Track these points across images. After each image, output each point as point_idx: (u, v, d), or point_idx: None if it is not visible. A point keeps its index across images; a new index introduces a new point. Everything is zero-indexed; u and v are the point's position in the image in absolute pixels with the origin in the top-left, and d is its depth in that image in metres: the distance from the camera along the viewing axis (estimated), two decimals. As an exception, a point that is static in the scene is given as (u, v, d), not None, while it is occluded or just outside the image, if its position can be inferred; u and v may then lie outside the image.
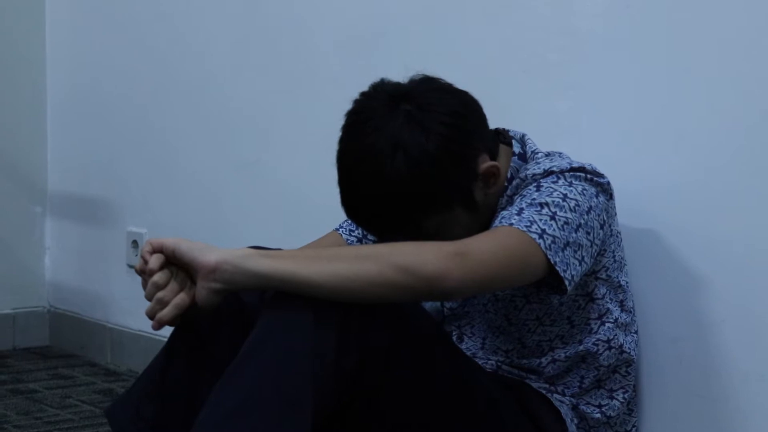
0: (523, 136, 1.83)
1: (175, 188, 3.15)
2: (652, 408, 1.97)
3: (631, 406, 1.90)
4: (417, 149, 1.63)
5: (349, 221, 1.92)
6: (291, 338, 1.51)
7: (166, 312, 1.59)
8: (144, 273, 1.60)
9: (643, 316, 1.96)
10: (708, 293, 1.90)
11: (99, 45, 3.40)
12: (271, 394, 1.48)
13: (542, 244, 1.60)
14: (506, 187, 1.76)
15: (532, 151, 1.80)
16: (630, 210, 1.97)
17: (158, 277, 1.59)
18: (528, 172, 1.73)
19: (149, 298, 1.60)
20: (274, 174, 2.83)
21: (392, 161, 1.63)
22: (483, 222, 1.74)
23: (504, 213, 1.66)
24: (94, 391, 3.03)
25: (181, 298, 1.59)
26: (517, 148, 1.80)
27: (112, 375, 3.22)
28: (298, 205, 2.74)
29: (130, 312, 3.25)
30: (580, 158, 2.02)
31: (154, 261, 1.59)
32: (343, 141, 1.70)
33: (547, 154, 1.79)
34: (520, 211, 1.63)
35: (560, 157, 1.79)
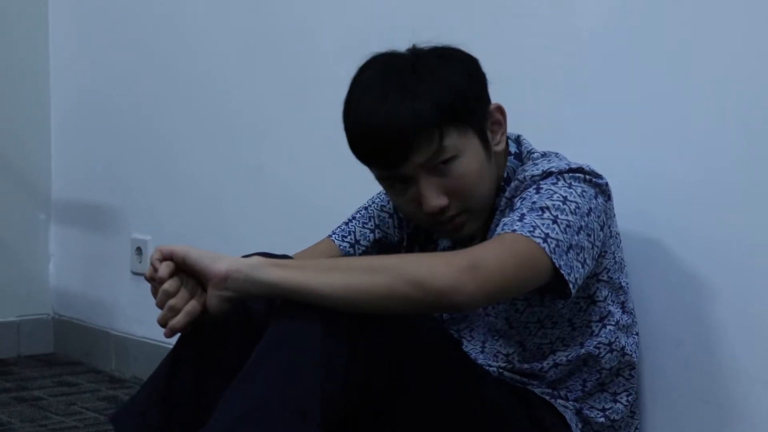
0: (519, 136, 1.84)
1: (179, 194, 3.15)
2: (657, 412, 1.96)
3: (634, 409, 1.90)
4: (450, 66, 1.72)
5: (342, 227, 1.92)
6: (300, 347, 1.51)
7: (178, 320, 1.59)
8: (154, 280, 1.60)
9: (647, 319, 1.96)
10: (712, 296, 1.89)
11: (102, 52, 3.40)
12: (279, 404, 1.48)
13: (547, 249, 1.59)
14: (504, 189, 1.77)
15: (528, 151, 1.80)
16: (633, 213, 1.97)
17: (169, 285, 1.58)
18: (526, 174, 1.73)
19: (160, 306, 1.60)
20: (277, 179, 2.83)
21: (426, 65, 1.70)
22: (487, 188, 1.75)
23: (505, 220, 1.65)
24: (99, 398, 3.03)
25: (192, 306, 1.59)
26: (513, 149, 1.81)
27: (117, 382, 3.22)
28: (301, 209, 2.74)
29: (135, 319, 3.25)
30: (583, 162, 2.02)
31: (164, 269, 1.58)
32: (367, 70, 1.74)
33: (544, 154, 1.79)
34: (521, 217, 1.63)
35: (557, 157, 1.79)
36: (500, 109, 1.79)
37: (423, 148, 1.68)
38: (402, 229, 1.93)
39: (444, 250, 1.87)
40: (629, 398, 1.86)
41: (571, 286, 1.62)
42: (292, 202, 2.78)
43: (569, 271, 1.62)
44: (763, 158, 1.83)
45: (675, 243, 1.94)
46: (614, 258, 1.79)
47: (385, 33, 2.51)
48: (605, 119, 2.04)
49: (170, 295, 1.59)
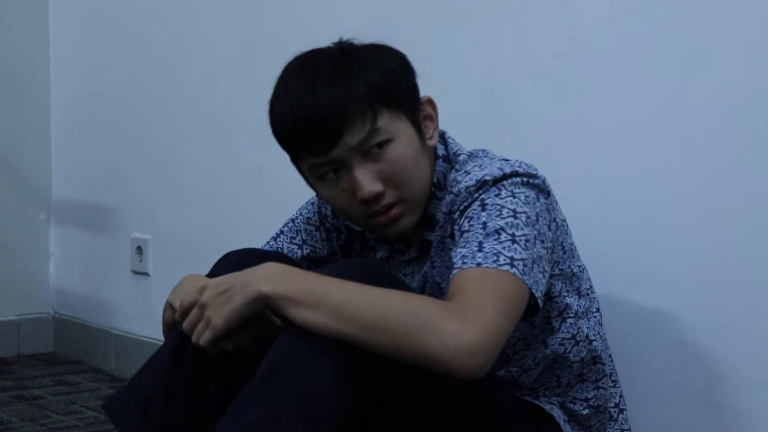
0: (444, 134, 1.78)
1: (179, 194, 3.15)
2: (656, 413, 1.97)
3: (614, 378, 1.86)
4: (381, 52, 1.70)
5: (271, 243, 1.90)
6: (317, 356, 1.48)
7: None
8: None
9: (647, 321, 1.96)
10: (711, 297, 1.90)
11: (103, 52, 3.40)
12: (294, 414, 1.45)
13: (517, 273, 1.53)
14: (437, 196, 1.72)
15: (454, 153, 1.75)
16: (632, 214, 1.97)
17: (242, 340, 1.59)
18: (460, 186, 1.66)
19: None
20: (278, 180, 2.83)
21: (356, 50, 1.69)
22: (423, 179, 1.69)
23: (464, 252, 1.56)
24: (99, 397, 3.03)
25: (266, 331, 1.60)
26: (441, 150, 1.75)
27: (117, 381, 3.22)
28: (302, 211, 2.74)
29: (135, 318, 3.26)
30: (585, 165, 2.03)
31: (228, 345, 1.59)
32: (293, 64, 1.72)
33: (470, 155, 1.73)
34: (480, 247, 1.55)
35: (486, 156, 1.72)
36: (431, 103, 1.74)
37: (356, 128, 1.62)
38: (331, 241, 1.90)
39: (383, 259, 1.83)
40: (610, 378, 1.83)
41: (539, 301, 1.57)
42: (292, 203, 2.78)
43: (537, 287, 1.57)
44: (765, 158, 1.83)
45: (675, 245, 1.94)
46: (563, 248, 1.73)
47: (385, 33, 2.51)
48: (605, 120, 2.05)
49: (253, 339, 1.60)
